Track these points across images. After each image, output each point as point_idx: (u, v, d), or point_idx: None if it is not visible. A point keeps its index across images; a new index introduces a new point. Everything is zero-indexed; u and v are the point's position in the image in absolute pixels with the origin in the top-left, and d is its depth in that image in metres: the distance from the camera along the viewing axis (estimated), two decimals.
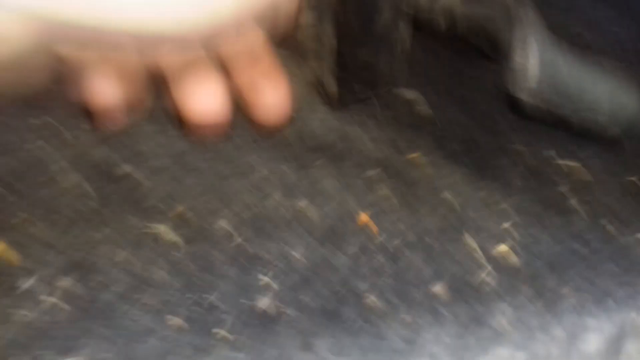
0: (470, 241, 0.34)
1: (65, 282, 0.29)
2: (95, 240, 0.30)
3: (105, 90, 0.27)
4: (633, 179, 0.40)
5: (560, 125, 0.37)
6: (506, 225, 0.36)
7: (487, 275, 0.32)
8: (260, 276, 0.30)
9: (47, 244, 0.30)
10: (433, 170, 0.39)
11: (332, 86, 0.39)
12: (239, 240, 0.32)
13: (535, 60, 0.32)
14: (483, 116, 0.45)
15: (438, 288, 0.31)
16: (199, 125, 0.29)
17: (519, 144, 0.43)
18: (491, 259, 0.33)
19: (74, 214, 0.31)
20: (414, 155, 0.39)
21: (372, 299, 0.29)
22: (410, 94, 0.45)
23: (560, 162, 0.42)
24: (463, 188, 0.38)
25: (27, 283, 0.28)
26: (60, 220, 0.31)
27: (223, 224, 0.33)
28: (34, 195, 0.31)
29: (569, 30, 0.49)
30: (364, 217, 0.34)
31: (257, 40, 0.36)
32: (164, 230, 0.32)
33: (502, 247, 0.34)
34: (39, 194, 0.31)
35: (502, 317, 0.28)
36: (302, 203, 0.34)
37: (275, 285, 0.30)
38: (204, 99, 0.30)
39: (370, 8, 0.34)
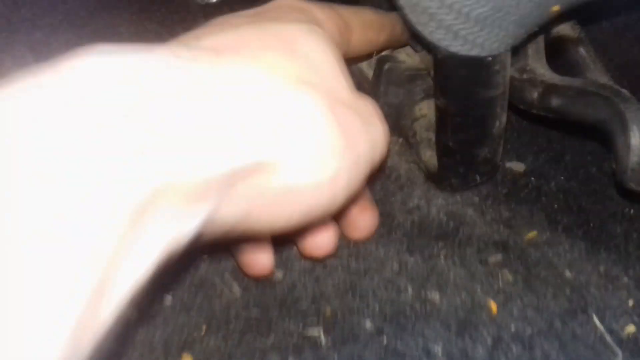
0: (598, 323, 0.36)
1: None
2: (265, 349, 0.36)
3: (260, 259, 0.34)
4: None
5: None
6: (630, 302, 0.38)
7: None
8: None
9: (226, 355, 0.35)
10: (551, 250, 0.41)
11: (450, 179, 0.43)
12: (385, 339, 0.36)
13: (637, 150, 0.34)
14: (590, 181, 0.47)
15: None
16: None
17: (630, 207, 0.45)
18: (621, 342, 0.35)
19: (243, 322, 0.36)
20: (531, 235, 0.42)
21: None
22: (517, 166, 0.48)
23: None
24: (583, 265, 0.40)
25: None
26: (232, 330, 0.36)
27: (368, 323, 0.37)
28: (209, 307, 0.37)
29: None
30: (493, 305, 0.37)
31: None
32: (318, 333, 0.36)
33: (630, 328, 0.36)
34: (213, 305, 0.37)
35: None
36: (435, 296, 0.38)
37: None
38: (321, 244, 0.35)
39: (489, 113, 0.37)
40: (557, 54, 0.40)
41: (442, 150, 0.41)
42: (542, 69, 0.39)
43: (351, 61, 0.35)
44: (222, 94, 0.22)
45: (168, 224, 0.20)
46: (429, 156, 0.45)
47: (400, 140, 0.49)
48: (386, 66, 0.46)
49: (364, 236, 0.39)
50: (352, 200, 0.29)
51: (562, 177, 0.47)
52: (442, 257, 0.40)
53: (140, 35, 0.57)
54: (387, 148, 0.30)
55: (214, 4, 0.61)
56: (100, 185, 0.17)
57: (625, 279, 0.39)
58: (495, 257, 0.40)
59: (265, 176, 0.24)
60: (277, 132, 0.24)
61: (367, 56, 0.48)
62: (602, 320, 0.36)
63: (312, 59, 0.27)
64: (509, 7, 0.31)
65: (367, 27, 0.35)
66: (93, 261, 0.17)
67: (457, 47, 0.33)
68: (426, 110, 0.47)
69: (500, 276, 0.39)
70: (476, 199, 0.45)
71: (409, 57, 0.47)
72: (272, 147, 0.23)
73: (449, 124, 0.39)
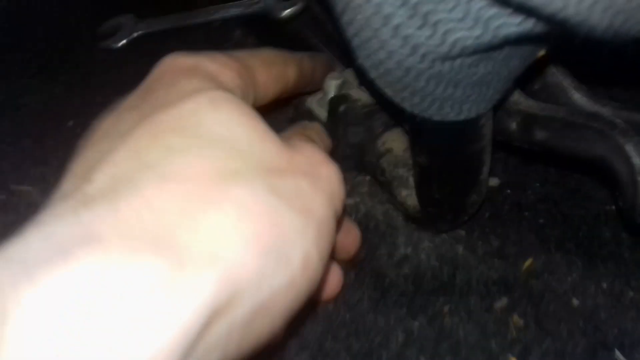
0: (622, 358, 0.35)
1: None
2: None
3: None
4: None
5: None
6: None
7: None
8: None
9: None
10: (551, 276, 0.39)
11: (436, 225, 0.40)
12: None
13: None
14: (565, 180, 0.45)
15: None
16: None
17: (609, 204, 0.44)
18: None
19: None
20: (527, 264, 0.40)
21: None
22: (491, 181, 0.45)
23: None
24: (586, 286, 0.39)
25: None
26: None
27: None
28: None
29: None
30: None
31: None
32: None
33: None
34: None
35: None
36: None
37: None
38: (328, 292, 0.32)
39: (477, 164, 0.34)
40: (530, 74, 0.37)
41: (427, 202, 0.37)
42: (516, 95, 0.36)
43: (270, 107, 0.30)
44: (140, 236, 0.18)
45: None
46: (405, 195, 0.41)
47: (368, 178, 0.45)
48: (341, 108, 0.41)
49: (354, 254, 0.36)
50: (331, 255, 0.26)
51: (537, 183, 0.45)
52: (446, 314, 0.37)
53: (46, 103, 0.49)
54: (343, 184, 0.26)
55: (120, 48, 0.53)
56: None
57: (631, 293, 0.38)
58: (501, 302, 0.38)
59: (231, 308, 0.20)
60: (225, 252, 0.20)
61: (300, 95, 0.43)
62: (623, 351, 0.35)
63: (226, 137, 0.23)
64: (501, 67, 0.27)
65: (270, 63, 0.31)
66: None
67: (443, 116, 0.29)
68: (390, 143, 0.43)
69: (510, 323, 0.37)
70: (462, 232, 0.42)
71: (362, 93, 0.42)
72: (226, 273, 0.19)
73: (434, 179, 0.35)
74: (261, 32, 0.54)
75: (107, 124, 0.23)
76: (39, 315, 0.16)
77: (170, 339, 0.17)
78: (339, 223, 0.27)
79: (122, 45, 0.54)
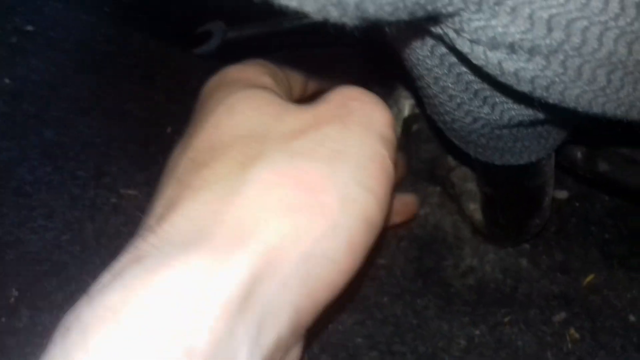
0: None
1: None
2: None
3: None
4: None
5: None
6: None
7: None
8: None
9: None
10: (611, 292, 0.41)
11: (501, 241, 0.42)
12: None
13: None
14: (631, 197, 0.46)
15: None
16: None
17: None
18: None
19: None
20: (589, 279, 0.42)
21: None
22: (560, 194, 0.47)
23: None
24: None
25: None
26: None
27: None
28: None
29: None
30: None
31: None
32: None
33: None
34: None
35: None
36: None
37: None
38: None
39: (539, 195, 0.36)
40: None
41: (492, 223, 0.40)
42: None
43: None
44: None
45: None
46: (473, 209, 0.44)
47: (438, 189, 0.48)
48: (414, 127, 0.45)
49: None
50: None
51: (606, 197, 0.47)
52: (507, 324, 0.41)
53: (148, 109, 0.55)
54: (383, 108, 0.26)
55: (212, 55, 0.58)
56: None
57: None
58: (559, 315, 0.41)
59: (276, 266, 0.22)
60: (249, 229, 0.22)
61: None
62: None
63: (249, 129, 0.25)
64: (558, 126, 0.29)
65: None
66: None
67: (505, 161, 0.31)
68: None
69: (567, 336, 0.40)
70: (527, 246, 0.44)
71: None
72: (253, 245, 0.22)
73: (498, 207, 0.38)
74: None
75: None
76: None
77: (222, 301, 0.20)
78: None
79: (214, 51, 0.59)
